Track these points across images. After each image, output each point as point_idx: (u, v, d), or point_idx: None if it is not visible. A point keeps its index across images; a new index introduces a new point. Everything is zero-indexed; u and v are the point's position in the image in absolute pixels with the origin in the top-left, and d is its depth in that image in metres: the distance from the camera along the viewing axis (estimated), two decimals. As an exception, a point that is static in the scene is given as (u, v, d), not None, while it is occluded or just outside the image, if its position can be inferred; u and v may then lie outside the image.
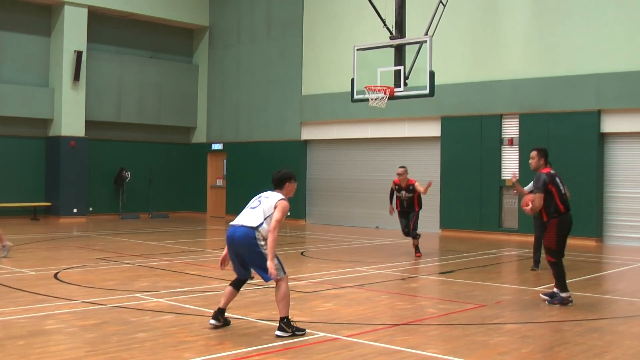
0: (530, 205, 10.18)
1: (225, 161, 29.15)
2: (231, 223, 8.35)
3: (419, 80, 17.91)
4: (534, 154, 10.57)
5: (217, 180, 29.58)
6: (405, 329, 8.60)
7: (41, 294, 10.34)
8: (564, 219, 10.20)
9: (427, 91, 17.49)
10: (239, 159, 28.48)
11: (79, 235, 20.69)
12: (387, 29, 18.24)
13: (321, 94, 25.72)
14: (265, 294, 10.63)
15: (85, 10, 26.23)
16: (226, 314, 8.44)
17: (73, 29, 25.95)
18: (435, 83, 17.55)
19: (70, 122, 25.95)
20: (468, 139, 22.13)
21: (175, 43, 30.20)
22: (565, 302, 10.13)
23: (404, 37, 18.06)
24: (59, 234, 20.67)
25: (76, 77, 25.77)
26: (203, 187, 30.03)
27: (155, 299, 10.06)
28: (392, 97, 17.86)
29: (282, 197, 8.37)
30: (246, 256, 8.19)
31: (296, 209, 26.00)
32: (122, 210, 27.70)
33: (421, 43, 17.68)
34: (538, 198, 10.08)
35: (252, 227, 8.12)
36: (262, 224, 8.12)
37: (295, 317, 8.73)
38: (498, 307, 10.01)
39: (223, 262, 8.54)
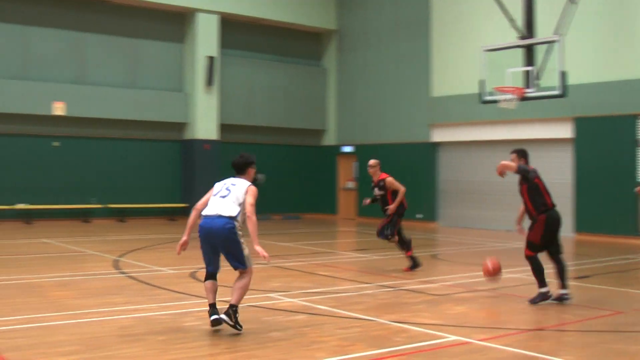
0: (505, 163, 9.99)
1: (355, 163, 29.25)
2: (205, 213, 8.47)
3: (549, 80, 17.47)
4: (513, 156, 10.45)
5: (348, 182, 29.72)
6: (539, 334, 8.41)
7: (179, 292, 10.69)
8: (551, 214, 10.16)
9: (558, 91, 17.04)
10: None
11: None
12: (516, 29, 17.88)
13: (450, 96, 25.44)
14: (398, 297, 10.63)
15: (217, 17, 26.94)
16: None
17: (205, 35, 26.71)
18: (567, 83, 17.06)
19: (204, 126, 26.72)
20: (601, 141, 21.31)
21: (304, 47, 30.58)
22: (545, 297, 10.12)
23: (534, 36, 17.67)
24: (194, 234, 21.22)
25: (209, 81, 26.51)
26: (334, 189, 30.25)
27: (289, 299, 10.21)
28: (522, 98, 17.50)
29: (249, 182, 8.59)
30: (223, 246, 8.31)
31: (428, 211, 25.86)
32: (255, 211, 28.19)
33: (551, 42, 17.25)
34: (534, 180, 10.12)
35: (231, 217, 8.25)
36: (238, 212, 8.29)
37: (426, 319, 8.70)
38: (636, 314, 9.63)
39: (182, 247, 8.89)
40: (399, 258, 14.60)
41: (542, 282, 10.17)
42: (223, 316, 8.10)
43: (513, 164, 10.06)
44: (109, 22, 25.80)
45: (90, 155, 25.34)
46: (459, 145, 25.71)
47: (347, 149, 29.67)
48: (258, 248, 7.96)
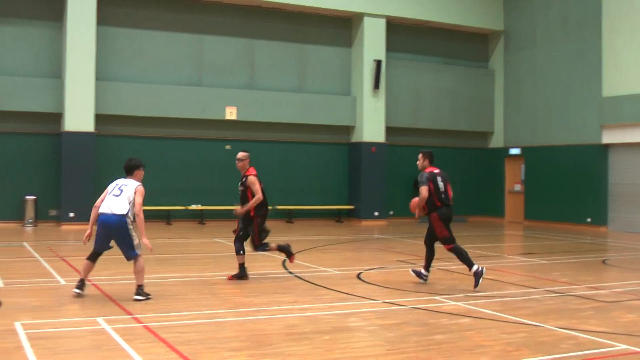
0: (417, 200, 11.78)
1: (523, 166, 28.63)
2: (101, 211, 10.03)
3: None
4: (420, 156, 12.14)
5: (515, 185, 29.13)
6: None
7: (344, 293, 10.86)
8: (441, 211, 11.72)
9: None
10: (537, 164, 27.83)
11: (380, 237, 21.39)
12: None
13: (623, 95, 24.41)
14: (565, 302, 10.36)
15: (384, 21, 27.12)
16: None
17: (372, 39, 26.95)
18: None
19: (371, 129, 26.96)
20: None
21: (470, 48, 30.24)
22: (480, 274, 11.32)
23: None
24: (360, 236, 21.54)
25: (376, 85, 26.73)
26: (500, 192, 29.73)
27: (453, 302, 10.16)
28: None
29: (139, 183, 10.26)
30: (117, 238, 10.05)
31: (597, 215, 24.96)
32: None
33: None
34: (424, 190, 11.68)
35: (123, 215, 9.95)
36: (129, 210, 9.97)
37: (595, 327, 8.47)
38: None
39: (87, 238, 10.24)
40: (566, 263, 14.19)
41: (470, 264, 11.52)
42: (137, 297, 9.94)
43: (424, 195, 11.70)
44: (278, 28, 26.54)
45: (260, 158, 26.06)
46: (633, 146, 24.59)
47: (514, 151, 29.07)
48: (145, 240, 9.87)
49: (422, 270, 12.05)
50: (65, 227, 22.28)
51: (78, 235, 20.10)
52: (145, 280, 10.16)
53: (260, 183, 12.13)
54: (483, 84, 30.08)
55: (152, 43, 24.90)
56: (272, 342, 7.66)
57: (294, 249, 12.73)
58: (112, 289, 10.85)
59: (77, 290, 10.15)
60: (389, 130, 27.65)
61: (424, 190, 11.69)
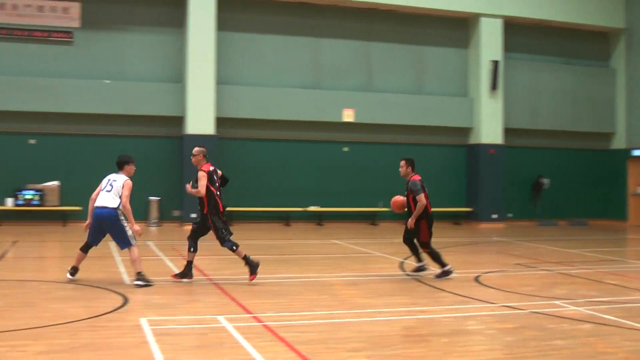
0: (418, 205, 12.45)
1: (646, 167, 27.67)
2: (96, 205, 11.08)
3: None
4: (402, 163, 12.95)
5: (638, 187, 28.14)
6: None
7: (462, 295, 10.77)
8: (429, 218, 12.57)
9: None
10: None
11: (498, 240, 21.07)
12: None
13: None
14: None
15: (501, 21, 26.72)
16: None
17: (489, 40, 26.59)
18: None
19: (489, 130, 26.60)
20: None
21: (590, 47, 29.40)
22: (449, 272, 12.41)
23: None
24: (478, 239, 21.29)
25: (493, 86, 26.35)
26: (623, 195, 28.78)
27: (574, 307, 9.93)
28: None
29: (127, 177, 11.33)
30: (110, 230, 11.14)
31: None
32: (540, 216, 27.66)
33: None
34: (423, 197, 12.41)
35: (114, 208, 11.07)
36: (119, 203, 11.06)
37: None
38: None
39: (87, 228, 11.35)
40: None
41: (442, 263, 12.44)
42: (137, 282, 10.99)
43: (424, 203, 12.43)
44: (395, 30, 26.54)
45: (377, 160, 26.19)
46: None
47: (638, 152, 28.09)
48: (135, 227, 10.95)
49: (418, 264, 12.95)
50: (188, 227, 22.89)
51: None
52: (266, 280, 10.34)
53: (210, 183, 11.73)
54: (604, 83, 29.20)
55: (270, 47, 25.35)
56: (390, 344, 7.69)
57: (260, 270, 11.83)
58: (233, 287, 11.10)
59: (70, 277, 11.42)
60: (507, 131, 27.21)
61: (423, 198, 12.40)
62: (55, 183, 23.04)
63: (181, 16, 24.18)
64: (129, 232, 11.15)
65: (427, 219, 12.50)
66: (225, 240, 11.66)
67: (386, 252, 16.73)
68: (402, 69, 26.73)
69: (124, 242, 11.21)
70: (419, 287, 11.66)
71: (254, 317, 8.94)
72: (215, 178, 11.93)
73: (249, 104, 24.63)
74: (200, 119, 23.49)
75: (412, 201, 12.61)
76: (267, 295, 10.55)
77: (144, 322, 8.44)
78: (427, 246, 12.53)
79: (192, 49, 23.45)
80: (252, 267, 11.60)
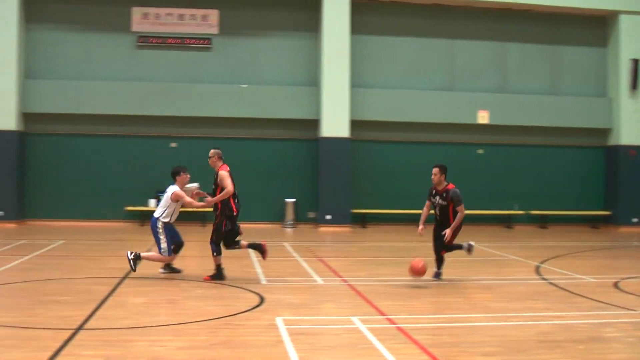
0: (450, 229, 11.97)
1: None
2: None
3: None
4: (436, 170, 12.28)
5: None
6: None
7: (600, 301, 10.49)
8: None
9: None
10: None
11: (639, 245, 20.35)
12: None
13: None
14: None
15: (644, 18, 25.79)
16: None
17: (629, 37, 25.66)
18: None
19: (629, 131, 25.68)
20: None
21: None
22: (438, 275, 12.40)
23: None
24: (617, 243, 20.61)
25: (634, 85, 25.42)
26: None
27: None
28: None
29: (177, 188, 12.15)
30: (152, 234, 12.19)
31: None
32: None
33: None
34: (463, 209, 11.96)
35: (156, 217, 12.13)
36: (162, 213, 12.09)
37: None
38: None
39: None
40: None
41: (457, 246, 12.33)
42: (129, 256, 12.09)
43: (463, 215, 11.94)
44: (530, 30, 26.03)
45: (512, 162, 25.77)
46: None
47: None
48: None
49: (438, 270, 12.57)
50: (322, 229, 23.27)
51: (335, 237, 20.96)
52: (399, 282, 10.35)
53: (233, 184, 11.82)
54: None
55: (403, 49, 25.38)
56: (524, 349, 7.60)
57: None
58: (367, 289, 11.21)
59: (161, 271, 12.50)
60: (649, 132, 26.20)
61: (463, 209, 12.03)
62: (195, 185, 23.71)
63: (316, 20, 24.56)
64: (163, 245, 12.06)
65: (459, 229, 12.25)
66: (214, 243, 11.90)
67: (521, 255, 16.45)
68: (537, 69, 26.18)
69: (158, 249, 12.20)
70: (555, 292, 11.43)
71: (388, 318, 9.02)
72: (233, 179, 11.99)
73: (383, 107, 24.75)
74: (335, 122, 23.78)
75: (451, 212, 12.07)
76: (401, 298, 10.61)
77: (279, 321, 8.67)
78: (449, 249, 12.33)
79: (327, 52, 23.79)
80: (219, 274, 11.91)
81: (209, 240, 12.07)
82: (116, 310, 9.31)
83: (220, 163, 12.22)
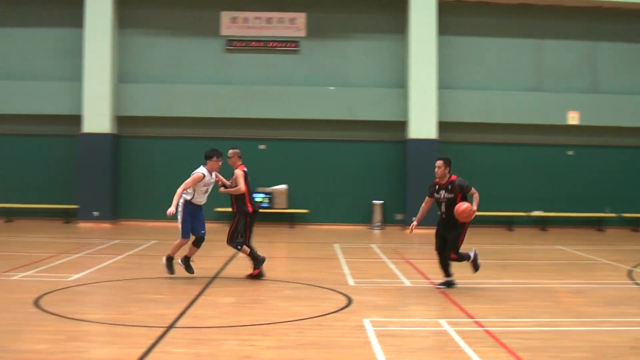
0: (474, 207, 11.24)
1: None
2: None
3: None
4: (440, 163, 11.61)
5: None
6: None
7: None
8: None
9: None
10: None
11: None
12: None
13: None
14: None
15: None
16: None
17: None
18: None
19: None
20: None
21: None
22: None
23: None
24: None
25: None
26: None
27: None
28: None
29: (200, 170, 11.85)
30: None
31: None
32: None
33: None
34: (476, 192, 11.56)
35: (184, 200, 11.84)
36: (192, 196, 11.84)
37: None
38: None
39: None
40: None
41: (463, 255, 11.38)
42: (163, 262, 12.03)
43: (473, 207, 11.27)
44: (622, 29, 25.34)
45: (603, 163, 25.17)
46: None
47: None
48: (171, 208, 11.34)
49: (447, 279, 11.65)
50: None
51: (423, 239, 20.83)
52: (488, 285, 10.27)
53: (246, 184, 12.28)
54: None
55: (491, 50, 25.11)
56: (616, 355, 7.44)
57: (264, 269, 12.28)
58: (455, 291, 11.15)
59: (179, 262, 12.14)
60: None
61: (476, 192, 11.69)
62: (283, 186, 24.10)
63: (402, 22, 24.51)
64: (180, 225, 11.82)
65: (468, 223, 11.53)
66: (232, 242, 12.21)
67: (613, 259, 16.07)
68: (630, 69, 25.48)
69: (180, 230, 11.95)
70: (649, 297, 11.14)
71: (476, 321, 8.95)
72: (249, 180, 12.50)
73: (470, 108, 24.53)
74: (422, 124, 23.70)
75: (458, 201, 11.50)
76: (489, 301, 10.51)
77: (367, 322, 8.70)
78: (458, 252, 11.38)
79: (414, 53, 23.72)
80: (256, 260, 12.18)
81: (226, 240, 12.29)
82: (206, 310, 9.50)
83: (239, 163, 12.65)
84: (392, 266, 14.32)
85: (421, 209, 12.03)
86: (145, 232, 21.50)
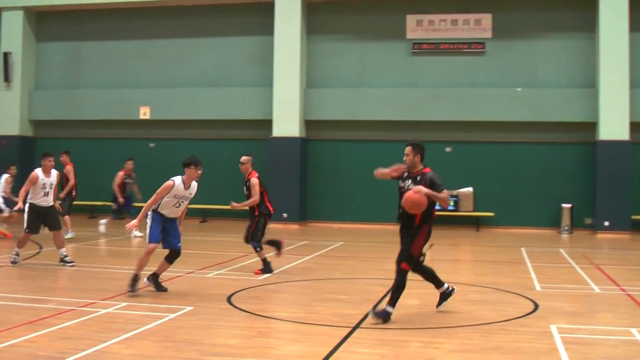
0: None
1: None
2: None
3: None
4: (408, 149, 9.20)
5: None
6: None
7: None
8: (431, 225, 9.15)
9: None
10: None
11: None
12: None
13: None
14: None
15: None
16: None
17: None
18: None
19: None
20: None
21: None
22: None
23: None
24: None
25: None
26: None
27: None
28: None
29: (172, 179, 10.48)
30: None
31: None
32: None
33: None
34: (447, 194, 9.00)
35: None
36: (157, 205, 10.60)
37: None
38: None
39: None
40: None
41: (394, 302, 8.96)
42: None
43: (448, 202, 9.05)
44: None
45: None
46: None
47: None
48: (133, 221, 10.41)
49: (442, 289, 9.67)
50: (600, 235, 22.37)
51: (613, 244, 20.15)
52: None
53: (262, 187, 12.89)
54: None
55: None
56: None
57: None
58: (647, 300, 10.74)
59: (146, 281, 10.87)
60: None
61: (447, 194, 9.01)
62: (469, 189, 23.92)
63: (592, 20, 23.63)
64: (148, 231, 10.54)
65: (430, 226, 9.16)
66: (254, 240, 12.92)
67: None
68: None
69: None
70: None
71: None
72: (262, 182, 13.13)
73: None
74: (613, 125, 22.75)
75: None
76: (685, 310, 10.03)
77: (553, 329, 8.56)
78: (412, 263, 9.08)
79: (605, 52, 22.82)
80: (267, 268, 12.90)
81: (246, 238, 13.07)
82: (391, 311, 9.65)
83: (251, 169, 13.16)
84: (581, 272, 13.91)
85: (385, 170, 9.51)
86: (332, 233, 22.02)
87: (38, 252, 14.74)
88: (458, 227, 23.67)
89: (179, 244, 10.74)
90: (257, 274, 12.75)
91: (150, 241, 10.49)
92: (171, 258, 10.77)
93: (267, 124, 24.80)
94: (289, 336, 8.33)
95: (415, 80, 24.79)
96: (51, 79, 27.79)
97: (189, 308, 9.52)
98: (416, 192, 8.72)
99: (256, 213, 12.96)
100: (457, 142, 24.47)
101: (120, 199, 19.36)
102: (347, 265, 14.85)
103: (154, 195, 10.49)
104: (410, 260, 9.00)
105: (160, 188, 10.46)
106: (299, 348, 7.74)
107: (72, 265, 13.10)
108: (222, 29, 26.11)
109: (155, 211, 10.59)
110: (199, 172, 10.69)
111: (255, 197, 12.73)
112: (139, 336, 7.96)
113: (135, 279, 10.43)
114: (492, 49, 24.41)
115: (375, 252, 17.25)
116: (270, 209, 13.09)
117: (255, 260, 13.71)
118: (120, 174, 19.64)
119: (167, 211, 10.59)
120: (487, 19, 24.30)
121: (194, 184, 10.79)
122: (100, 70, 27.27)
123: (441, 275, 9.73)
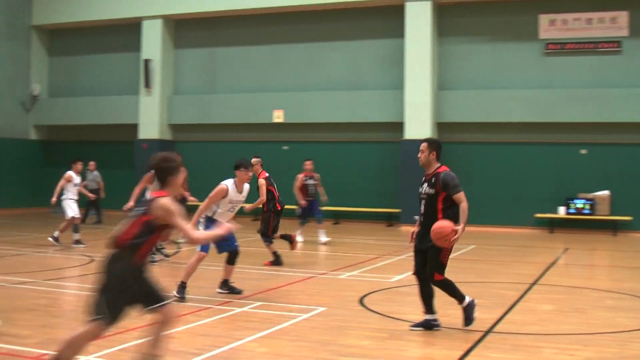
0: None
1: None
2: None
3: None
4: (424, 146, 8.53)
5: None
6: None
7: None
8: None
9: None
10: None
11: None
12: None
13: None
14: None
15: None
16: None
17: None
18: None
19: None
20: None
21: None
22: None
23: None
24: None
25: None
26: None
27: None
28: None
29: (224, 183, 10.38)
30: None
31: None
32: None
33: None
34: (464, 197, 8.27)
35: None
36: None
37: None
38: None
39: None
40: None
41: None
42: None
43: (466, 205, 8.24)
44: None
45: None
46: None
47: None
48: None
49: (427, 317, 8.62)
50: None
51: None
52: None
53: (270, 186, 13.79)
54: None
55: None
56: None
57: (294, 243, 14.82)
58: None
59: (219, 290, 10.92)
60: None
61: (464, 197, 8.29)
62: (605, 192, 23.21)
63: None
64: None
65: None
66: (264, 235, 14.11)
67: None
68: None
69: None
70: None
71: None
72: (272, 181, 14.07)
73: None
74: None
75: (440, 202, 8.40)
76: None
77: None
78: (442, 269, 8.40)
79: None
80: (277, 260, 14.07)
81: (265, 234, 14.09)
82: (525, 316, 9.58)
83: (260, 170, 14.17)
84: None
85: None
86: (464, 236, 21.73)
87: (176, 252, 15.31)
88: (594, 231, 23.01)
89: (236, 243, 10.67)
90: (265, 264, 14.04)
91: (202, 249, 10.30)
92: (232, 259, 10.72)
93: (399, 126, 24.85)
94: (421, 339, 8.40)
95: (548, 81, 24.26)
96: (188, 84, 28.81)
97: (322, 309, 9.74)
98: (442, 230, 8.02)
99: (265, 209, 14.11)
100: (592, 144, 23.76)
101: (302, 202, 18.46)
102: (480, 268, 14.75)
103: (206, 200, 10.29)
104: (442, 269, 8.38)
105: (213, 192, 10.27)
106: (431, 351, 7.80)
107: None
108: (353, 33, 26.35)
109: (207, 219, 10.40)
110: (250, 174, 10.62)
111: (262, 197, 13.41)
112: (273, 335, 8.24)
113: (183, 286, 10.24)
114: (629, 48, 23.58)
115: (508, 256, 17.03)
116: (278, 206, 14.19)
117: (387, 262, 13.83)
118: (300, 176, 18.67)
119: (223, 218, 10.20)
120: (623, 16, 23.49)
121: (246, 186, 10.66)
122: (234, 75, 28.05)
123: (577, 281, 9.58)
